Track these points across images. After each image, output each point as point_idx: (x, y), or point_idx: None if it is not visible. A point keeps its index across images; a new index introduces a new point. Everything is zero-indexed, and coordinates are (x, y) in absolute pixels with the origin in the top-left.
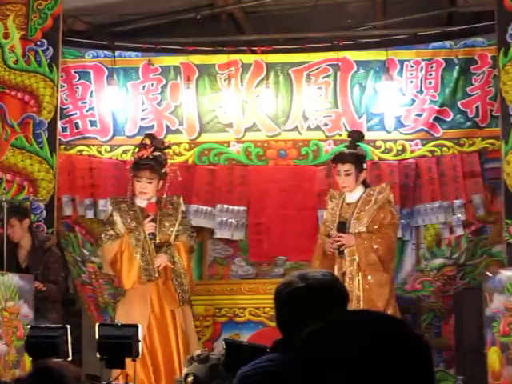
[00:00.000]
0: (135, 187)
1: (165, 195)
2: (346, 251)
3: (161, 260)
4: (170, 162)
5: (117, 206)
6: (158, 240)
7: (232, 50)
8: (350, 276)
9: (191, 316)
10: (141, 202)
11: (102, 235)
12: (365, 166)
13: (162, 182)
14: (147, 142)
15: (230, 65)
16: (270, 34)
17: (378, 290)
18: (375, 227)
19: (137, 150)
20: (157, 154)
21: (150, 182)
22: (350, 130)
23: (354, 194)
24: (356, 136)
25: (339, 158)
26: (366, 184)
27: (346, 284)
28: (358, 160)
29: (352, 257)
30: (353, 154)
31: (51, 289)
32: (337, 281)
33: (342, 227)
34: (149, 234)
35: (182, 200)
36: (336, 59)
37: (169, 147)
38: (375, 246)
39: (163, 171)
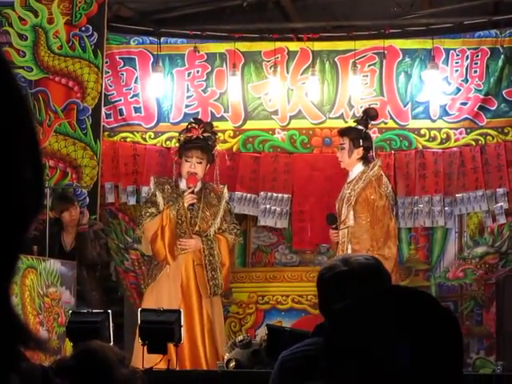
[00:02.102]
0: (183, 168)
1: (214, 183)
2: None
3: (190, 245)
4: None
5: (160, 186)
6: (197, 228)
7: (278, 38)
8: None
9: (221, 307)
10: (181, 183)
11: (143, 212)
12: (362, 143)
13: (209, 165)
14: (195, 124)
15: (276, 52)
16: (316, 22)
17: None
18: (363, 205)
19: (183, 132)
20: (206, 135)
21: (200, 163)
22: (395, 118)
23: (353, 172)
24: (370, 113)
25: (339, 131)
26: (366, 162)
27: None
28: (355, 136)
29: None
30: (351, 128)
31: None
32: (380, 264)
33: (331, 220)
34: (188, 206)
35: (226, 190)
36: (382, 47)
37: (216, 133)
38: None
39: (212, 153)
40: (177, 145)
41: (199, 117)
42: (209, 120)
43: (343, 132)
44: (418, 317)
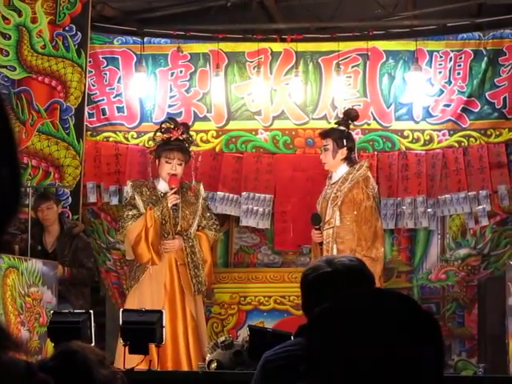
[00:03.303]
0: (163, 169)
1: (193, 181)
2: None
3: (173, 246)
4: (196, 149)
5: (138, 189)
6: (178, 228)
7: (262, 38)
8: None
9: (202, 305)
10: (159, 184)
11: (124, 215)
12: (345, 143)
13: (185, 166)
14: (171, 124)
15: (260, 53)
16: (300, 23)
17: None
18: (349, 205)
19: (161, 132)
20: (185, 136)
21: (180, 164)
22: (378, 119)
23: (337, 173)
24: (350, 114)
25: (321, 133)
26: (350, 163)
27: None
28: (338, 136)
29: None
30: (334, 129)
31: (78, 274)
32: (363, 266)
33: (316, 220)
34: (172, 206)
35: (202, 187)
36: (365, 49)
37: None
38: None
39: (189, 154)
40: (151, 143)
41: (182, 117)
42: (191, 120)
43: (326, 133)
44: (398, 319)
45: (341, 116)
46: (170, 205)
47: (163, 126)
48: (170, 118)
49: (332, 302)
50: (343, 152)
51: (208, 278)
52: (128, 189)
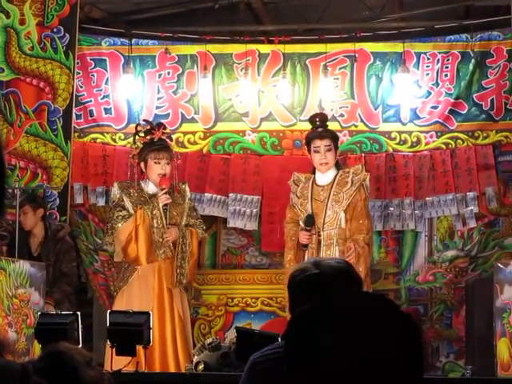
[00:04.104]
0: (153, 170)
1: (176, 182)
2: (323, 241)
3: (170, 234)
4: (183, 150)
5: (125, 190)
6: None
7: (249, 40)
8: None
9: (188, 305)
10: (147, 186)
11: (114, 216)
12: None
13: None
14: (148, 126)
15: (247, 54)
16: (287, 25)
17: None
18: (352, 208)
19: (142, 134)
20: (166, 135)
21: (169, 163)
22: (365, 121)
23: (327, 176)
24: (319, 116)
25: (317, 135)
26: (338, 166)
27: None
28: (335, 137)
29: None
30: (330, 130)
31: (63, 291)
32: (350, 268)
33: (310, 221)
34: (163, 206)
35: (187, 187)
36: (353, 50)
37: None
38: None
39: (173, 153)
40: (133, 146)
41: (170, 118)
42: (179, 121)
43: (323, 135)
44: (377, 321)
45: (328, 117)
46: (161, 204)
47: (140, 128)
48: (144, 120)
49: (311, 304)
50: (338, 153)
51: (191, 272)
52: (115, 190)
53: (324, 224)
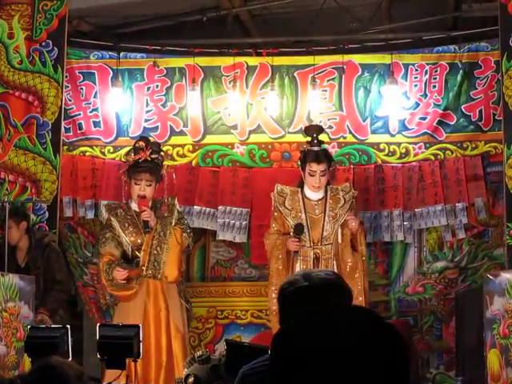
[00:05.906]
0: (133, 190)
1: (165, 197)
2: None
3: (149, 213)
4: (172, 163)
5: (113, 211)
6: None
7: (237, 53)
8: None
9: (186, 315)
10: (132, 204)
11: (100, 237)
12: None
13: (157, 185)
14: (142, 144)
15: (236, 67)
16: (275, 37)
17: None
18: (346, 223)
19: (132, 153)
20: (154, 156)
21: (149, 185)
22: (354, 133)
23: (319, 192)
24: (315, 131)
25: (314, 158)
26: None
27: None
28: (330, 160)
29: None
30: (327, 153)
31: (57, 300)
32: (340, 280)
33: (299, 230)
34: (144, 223)
35: (176, 201)
36: (341, 62)
37: (163, 152)
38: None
39: (160, 174)
40: (125, 161)
41: (158, 131)
42: (168, 134)
43: (321, 159)
44: (363, 334)
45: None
46: (142, 218)
47: (136, 145)
48: (143, 137)
49: (296, 319)
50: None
51: (172, 265)
52: (103, 212)
53: (322, 239)
